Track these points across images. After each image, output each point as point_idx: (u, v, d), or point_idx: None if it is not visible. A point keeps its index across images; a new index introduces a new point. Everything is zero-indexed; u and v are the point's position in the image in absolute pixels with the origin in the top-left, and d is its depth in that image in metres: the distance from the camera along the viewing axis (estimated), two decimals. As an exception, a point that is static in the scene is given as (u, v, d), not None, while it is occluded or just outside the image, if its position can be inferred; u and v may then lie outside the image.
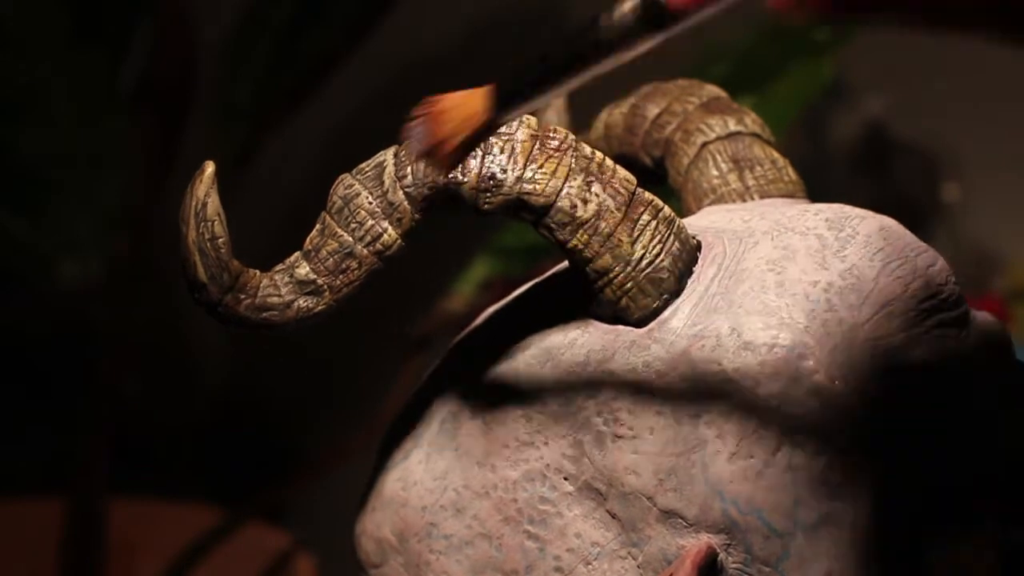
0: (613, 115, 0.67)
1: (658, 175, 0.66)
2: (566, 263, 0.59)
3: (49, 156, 1.25)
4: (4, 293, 1.54)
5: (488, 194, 0.56)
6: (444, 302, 1.19)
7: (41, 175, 1.25)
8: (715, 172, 0.63)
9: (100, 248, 1.23)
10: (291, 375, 1.68)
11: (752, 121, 0.64)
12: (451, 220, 0.59)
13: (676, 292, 0.57)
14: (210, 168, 0.57)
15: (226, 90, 1.31)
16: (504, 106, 0.51)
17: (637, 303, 0.57)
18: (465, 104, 0.51)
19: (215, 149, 1.23)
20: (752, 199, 0.63)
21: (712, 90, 0.65)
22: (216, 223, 0.56)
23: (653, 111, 0.65)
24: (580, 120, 0.70)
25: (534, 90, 0.50)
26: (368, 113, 1.55)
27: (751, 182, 0.63)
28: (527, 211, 0.56)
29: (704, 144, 0.64)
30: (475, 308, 0.98)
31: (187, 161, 0.63)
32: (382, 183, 0.57)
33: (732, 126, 0.64)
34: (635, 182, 0.57)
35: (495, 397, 0.59)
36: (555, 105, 0.70)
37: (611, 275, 0.57)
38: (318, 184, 0.60)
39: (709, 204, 0.63)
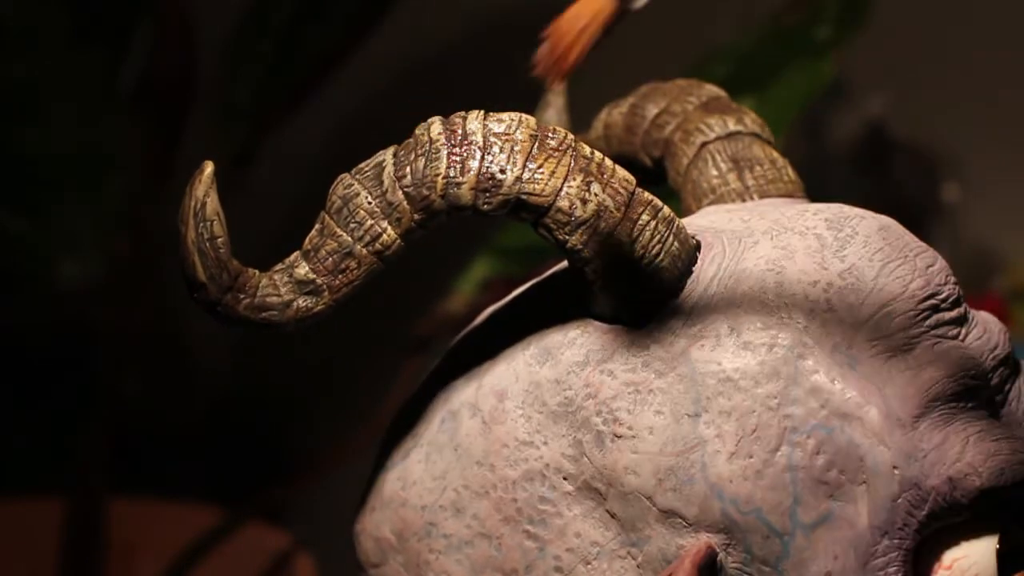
0: (612, 115, 0.67)
1: (657, 175, 0.65)
2: (566, 263, 0.59)
3: (49, 156, 1.25)
4: (4, 293, 1.54)
5: (487, 194, 0.56)
6: (444, 302, 1.19)
7: (41, 175, 1.25)
8: (714, 172, 0.63)
9: (100, 248, 1.23)
10: (291, 375, 1.68)
11: (752, 121, 0.64)
12: (451, 220, 0.58)
13: (675, 292, 0.57)
14: (209, 168, 0.57)
15: (226, 90, 1.31)
16: None
17: (636, 303, 0.57)
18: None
19: (215, 149, 1.23)
20: (751, 199, 0.63)
21: (711, 90, 0.65)
22: (215, 223, 0.56)
23: (652, 111, 0.65)
24: (579, 120, 0.70)
25: None
26: (368, 113, 1.55)
27: (750, 182, 0.63)
28: (526, 211, 0.56)
29: (703, 144, 0.64)
30: (475, 308, 0.98)
31: (187, 161, 0.63)
32: (381, 183, 0.57)
33: (731, 126, 0.64)
34: (634, 182, 0.57)
35: (494, 397, 0.59)
36: (555, 105, 0.70)
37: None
38: (318, 184, 0.60)
39: (708, 204, 0.63)
